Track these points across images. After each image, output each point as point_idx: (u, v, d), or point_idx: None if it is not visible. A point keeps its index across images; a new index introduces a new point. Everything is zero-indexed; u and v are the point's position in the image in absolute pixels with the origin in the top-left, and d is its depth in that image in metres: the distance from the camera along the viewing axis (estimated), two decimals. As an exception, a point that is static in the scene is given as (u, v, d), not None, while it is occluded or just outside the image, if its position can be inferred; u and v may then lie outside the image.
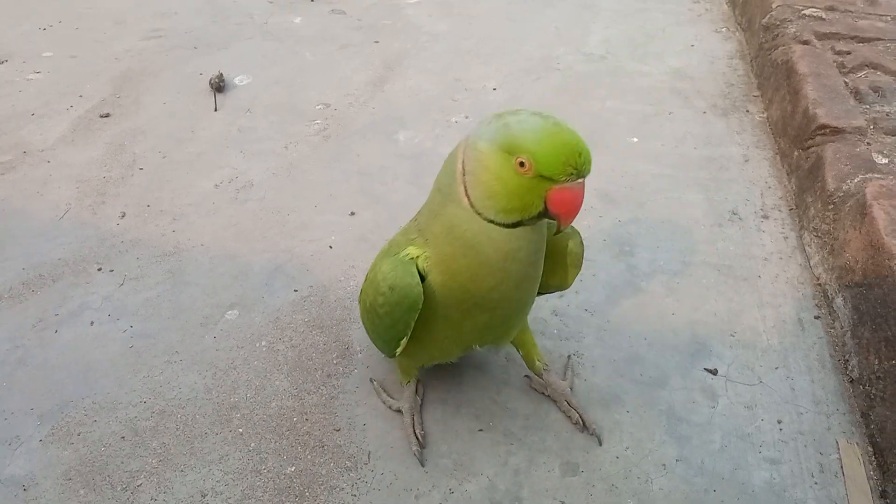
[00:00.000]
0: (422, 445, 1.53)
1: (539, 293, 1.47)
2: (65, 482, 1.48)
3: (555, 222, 1.17)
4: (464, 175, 1.17)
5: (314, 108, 2.81)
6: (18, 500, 1.45)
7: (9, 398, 1.66)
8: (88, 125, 2.70)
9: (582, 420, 1.56)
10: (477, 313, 1.32)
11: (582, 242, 1.45)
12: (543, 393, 1.63)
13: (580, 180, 1.10)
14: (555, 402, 1.61)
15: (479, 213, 1.17)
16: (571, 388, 1.63)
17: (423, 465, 1.50)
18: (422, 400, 1.63)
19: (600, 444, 1.53)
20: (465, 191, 1.17)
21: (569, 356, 1.72)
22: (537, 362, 1.60)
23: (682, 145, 2.54)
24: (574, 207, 1.13)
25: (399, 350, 1.36)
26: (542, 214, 1.15)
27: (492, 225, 1.18)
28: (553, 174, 1.08)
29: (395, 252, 1.32)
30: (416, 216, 1.36)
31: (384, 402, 1.62)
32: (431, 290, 1.28)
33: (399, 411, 1.60)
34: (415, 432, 1.54)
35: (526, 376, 1.68)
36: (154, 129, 2.67)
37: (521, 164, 1.08)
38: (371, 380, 1.67)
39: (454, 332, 1.39)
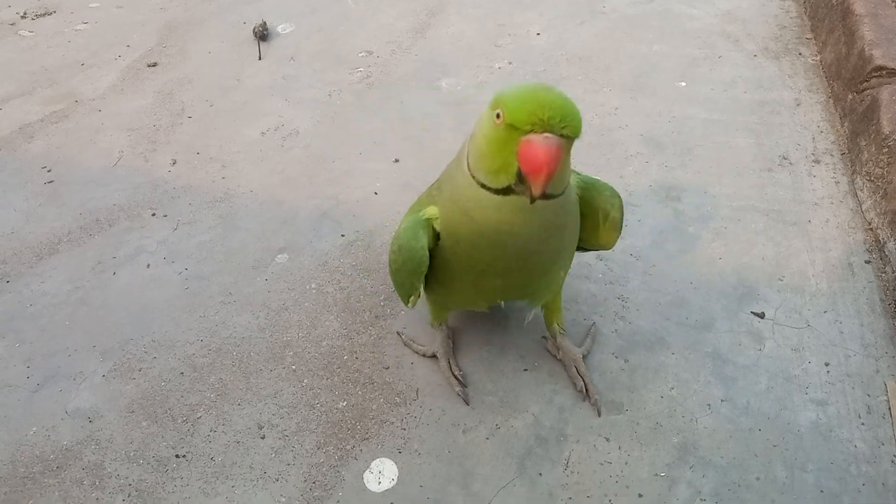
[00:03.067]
0: (463, 385, 1.56)
1: (583, 250, 1.48)
2: (128, 414, 1.55)
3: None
4: (469, 140, 1.19)
5: (357, 55, 2.81)
6: (85, 431, 1.52)
7: (71, 336, 1.73)
8: (137, 74, 2.74)
9: (586, 389, 1.53)
10: (489, 278, 1.34)
11: (622, 206, 1.39)
12: (555, 356, 1.62)
13: (548, 135, 1.03)
14: (564, 366, 1.59)
15: (473, 177, 1.17)
16: (585, 357, 1.60)
17: (467, 404, 1.53)
18: (453, 343, 1.65)
19: (599, 416, 1.50)
20: (468, 155, 1.19)
21: (592, 324, 1.69)
22: (555, 324, 1.59)
23: (732, 89, 2.49)
24: (538, 163, 1.03)
25: (411, 305, 1.41)
26: (521, 178, 1.10)
27: (483, 191, 1.16)
28: (518, 122, 1.04)
29: (418, 209, 1.34)
30: (442, 174, 1.37)
31: (416, 351, 1.65)
32: (445, 251, 1.31)
33: (434, 356, 1.62)
34: (453, 374, 1.57)
35: (543, 337, 1.66)
36: (200, 78, 2.70)
37: (497, 115, 1.07)
38: (398, 333, 1.69)
39: (473, 289, 1.41)
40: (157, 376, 1.62)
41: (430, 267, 1.33)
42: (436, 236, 1.31)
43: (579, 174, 1.39)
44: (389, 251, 1.40)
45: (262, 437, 1.49)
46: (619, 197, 1.38)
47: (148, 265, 1.91)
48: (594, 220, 1.38)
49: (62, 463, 1.46)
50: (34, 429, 1.53)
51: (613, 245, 1.43)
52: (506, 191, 1.14)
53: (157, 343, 1.70)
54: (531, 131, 1.04)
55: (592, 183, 1.37)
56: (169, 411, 1.55)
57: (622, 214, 1.39)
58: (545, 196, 1.10)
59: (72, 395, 1.59)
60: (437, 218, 1.30)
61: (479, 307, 1.56)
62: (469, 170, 1.18)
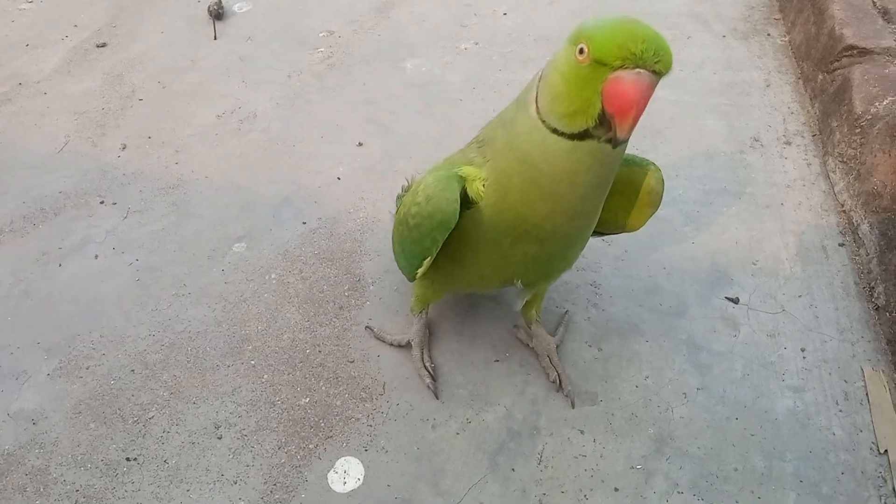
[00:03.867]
0: (434, 378, 1.50)
1: (601, 233, 1.39)
2: (74, 416, 1.46)
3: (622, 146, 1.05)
4: (539, 81, 1.08)
5: (317, 35, 2.70)
6: (28, 434, 1.43)
7: (14, 332, 1.63)
8: (84, 55, 2.60)
9: (560, 380, 1.48)
10: (527, 243, 1.22)
11: (663, 180, 1.31)
12: (527, 345, 1.56)
13: (640, 71, 0.93)
14: (537, 355, 1.54)
15: (543, 121, 1.06)
16: (558, 346, 1.55)
17: (437, 398, 1.47)
18: (430, 334, 1.58)
19: (573, 408, 1.45)
20: (537, 97, 1.07)
21: (565, 312, 1.64)
22: (534, 311, 1.52)
23: (701, 70, 2.44)
24: (627, 102, 0.94)
25: (421, 271, 1.27)
26: (602, 120, 0.99)
27: (554, 136, 1.05)
28: (607, 58, 0.94)
29: (449, 167, 1.22)
30: (480, 132, 1.25)
31: (390, 342, 1.57)
32: (482, 213, 1.19)
33: (408, 345, 1.55)
34: (425, 366, 1.50)
35: (515, 326, 1.60)
36: (152, 59, 2.57)
37: (581, 50, 0.96)
38: (367, 327, 1.61)
39: (500, 261, 1.28)
40: (105, 374, 1.53)
41: (448, 238, 1.21)
42: (465, 203, 1.19)
43: None
44: (405, 206, 1.28)
45: (219, 438, 1.41)
46: (661, 170, 1.30)
47: (96, 256, 1.80)
48: (629, 196, 1.30)
49: (3, 469, 1.36)
50: (-28, 433, 1.43)
51: (643, 225, 1.36)
52: (581, 135, 1.03)
53: (105, 339, 1.60)
54: (622, 67, 0.94)
55: (630, 157, 1.28)
56: (119, 411, 1.46)
57: (663, 189, 1.32)
58: (616, 142, 1.01)
59: (14, 396, 1.49)
60: (476, 179, 1.18)
61: (489, 287, 1.46)
62: (539, 114, 1.06)
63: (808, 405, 1.45)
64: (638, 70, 0.93)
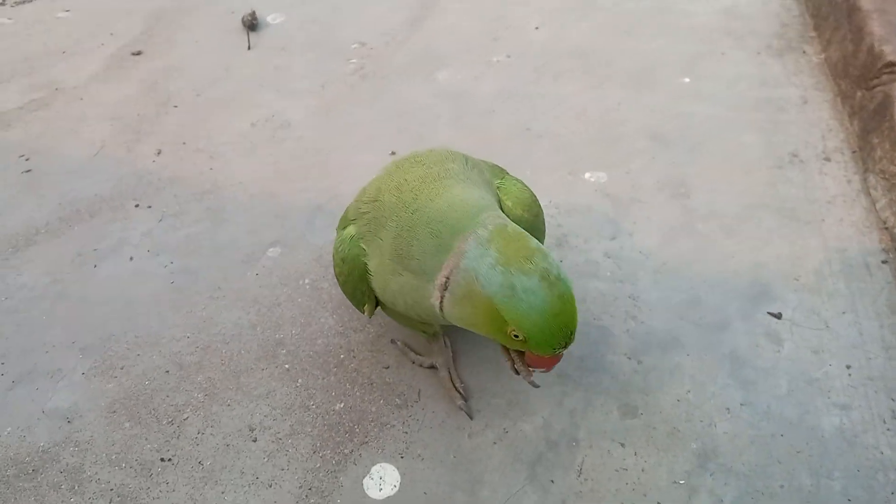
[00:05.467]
0: (465, 398, 1.46)
1: None
2: (109, 415, 1.45)
3: None
4: (445, 289, 1.09)
5: (350, 46, 2.72)
6: (63, 432, 1.42)
7: (49, 331, 1.63)
8: (121, 63, 2.63)
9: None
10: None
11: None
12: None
13: (562, 351, 1.08)
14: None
15: (441, 311, 1.13)
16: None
17: (471, 418, 1.43)
18: (452, 351, 1.54)
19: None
20: (441, 300, 1.11)
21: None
22: None
23: (737, 86, 2.42)
24: (548, 368, 1.16)
25: (368, 314, 1.34)
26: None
27: (440, 316, 1.14)
28: (542, 350, 1.07)
29: (344, 225, 1.33)
30: (371, 202, 1.25)
31: (414, 362, 1.53)
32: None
33: (432, 367, 1.51)
34: (455, 387, 1.46)
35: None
36: (187, 68, 2.60)
37: (515, 335, 1.05)
38: (393, 340, 1.57)
39: (403, 314, 1.32)
40: (140, 375, 1.52)
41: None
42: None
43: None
44: (333, 264, 1.34)
45: (254, 440, 1.39)
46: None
47: (131, 258, 1.80)
48: None
49: (38, 466, 1.35)
50: (8, 429, 1.42)
51: None
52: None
53: (140, 339, 1.60)
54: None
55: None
56: (153, 412, 1.45)
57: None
58: None
59: (49, 394, 1.49)
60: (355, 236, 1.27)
61: (430, 330, 1.48)
62: (441, 307, 1.12)
63: (854, 423, 1.41)
64: (557, 352, 1.07)
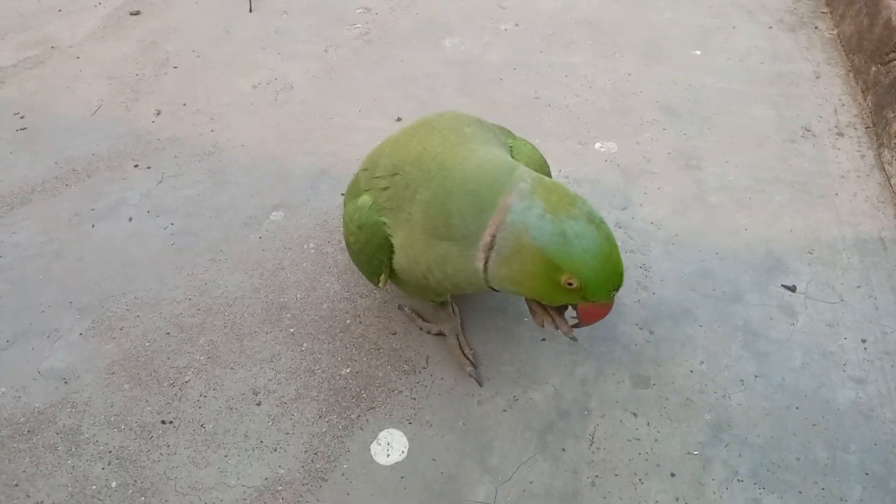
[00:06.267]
0: (475, 365, 1.42)
1: None
2: (108, 376, 1.41)
3: None
4: (490, 249, 1.05)
5: (354, 11, 2.65)
6: (59, 393, 1.38)
7: (45, 291, 1.58)
8: (118, 22, 2.56)
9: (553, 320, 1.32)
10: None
11: None
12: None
13: (613, 295, 1.07)
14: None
15: (486, 280, 1.09)
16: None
17: (481, 385, 1.39)
18: (460, 318, 1.51)
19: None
20: (486, 262, 1.07)
21: None
22: None
23: (748, 60, 2.38)
24: (600, 318, 1.14)
25: (382, 284, 1.30)
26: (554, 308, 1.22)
27: (483, 278, 1.10)
28: (598, 299, 1.06)
29: (356, 194, 1.28)
30: (396, 172, 1.18)
31: (421, 328, 1.49)
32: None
33: (441, 334, 1.47)
34: (464, 353, 1.43)
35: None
36: (187, 28, 2.53)
37: (570, 283, 1.02)
38: (400, 307, 1.53)
39: (424, 281, 1.25)
40: (140, 336, 1.48)
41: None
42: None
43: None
44: (345, 234, 1.30)
45: (258, 404, 1.35)
46: None
47: (130, 218, 1.75)
48: None
49: (34, 427, 1.31)
50: (2, 389, 1.38)
51: None
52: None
53: (140, 301, 1.55)
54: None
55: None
56: (154, 374, 1.41)
57: None
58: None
59: (45, 354, 1.44)
60: (379, 210, 1.22)
61: (440, 298, 1.43)
62: (485, 274, 1.08)
63: (871, 397, 1.38)
64: (611, 296, 1.06)
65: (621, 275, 1.05)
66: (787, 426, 1.33)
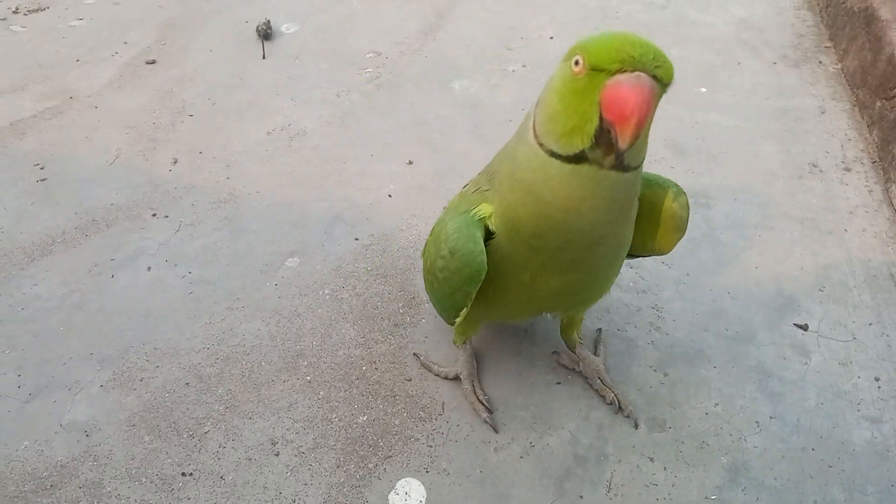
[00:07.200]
0: (490, 410, 1.43)
1: (633, 255, 1.32)
2: (128, 428, 1.43)
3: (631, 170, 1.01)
4: (535, 106, 1.05)
5: (365, 56, 2.71)
6: (81, 446, 1.40)
7: (67, 343, 1.61)
8: (135, 72, 2.62)
9: (618, 400, 1.43)
10: (548, 275, 1.16)
11: (687, 205, 1.22)
12: (574, 369, 1.50)
13: (640, 74, 0.88)
14: (587, 378, 1.48)
15: (541, 145, 1.01)
16: (605, 366, 1.50)
17: (496, 431, 1.41)
18: (477, 363, 1.52)
19: (636, 428, 1.40)
20: (534, 122, 1.04)
21: (598, 330, 1.59)
22: (575, 335, 1.47)
23: (754, 96, 2.41)
24: (628, 106, 0.87)
25: (459, 320, 1.22)
26: (599, 139, 0.94)
27: (552, 160, 1.00)
28: (604, 62, 0.90)
29: (466, 209, 1.17)
30: (491, 162, 1.24)
31: (437, 374, 1.50)
32: (499, 248, 1.15)
33: (456, 378, 1.49)
34: (479, 399, 1.44)
35: (555, 352, 1.53)
36: (202, 77, 2.59)
37: (576, 62, 0.93)
38: (415, 354, 1.55)
39: (525, 295, 1.22)
40: (160, 387, 1.50)
41: None
42: (486, 238, 1.15)
43: None
44: (431, 256, 1.23)
45: (276, 454, 1.37)
46: (685, 193, 1.22)
47: (149, 268, 1.79)
48: (654, 219, 1.22)
49: (56, 481, 1.33)
50: (25, 443, 1.40)
51: (671, 249, 1.27)
52: (578, 158, 0.98)
53: (159, 351, 1.58)
54: (620, 70, 0.89)
55: (654, 178, 1.22)
56: (174, 425, 1.43)
57: (688, 214, 1.23)
58: (622, 166, 0.97)
59: (67, 407, 1.47)
60: (489, 215, 1.14)
61: (520, 319, 1.42)
62: (536, 136, 1.02)
63: (886, 437, 1.38)
64: (637, 73, 0.88)
65: (635, 42, 0.90)
66: (804, 468, 1.33)
